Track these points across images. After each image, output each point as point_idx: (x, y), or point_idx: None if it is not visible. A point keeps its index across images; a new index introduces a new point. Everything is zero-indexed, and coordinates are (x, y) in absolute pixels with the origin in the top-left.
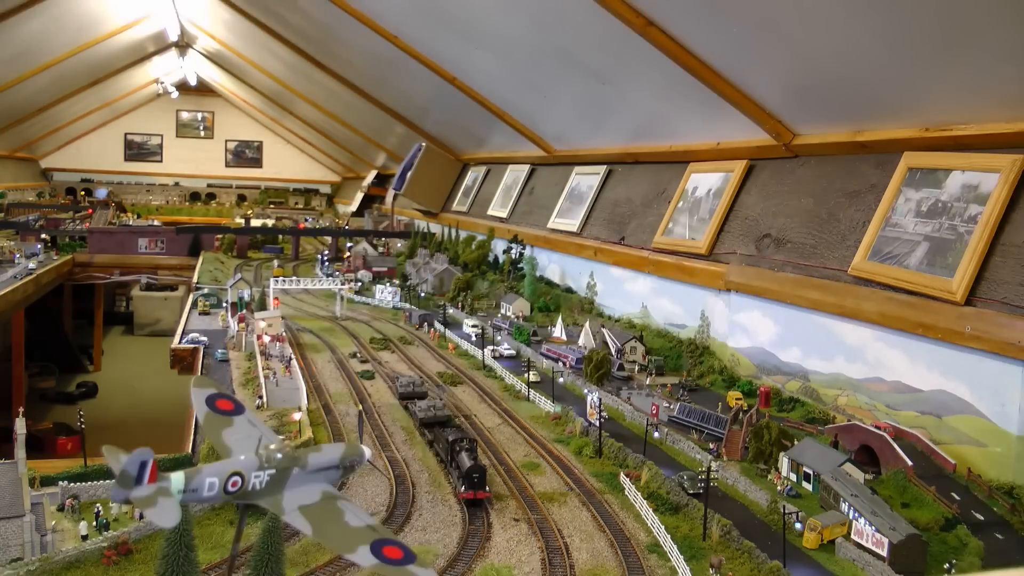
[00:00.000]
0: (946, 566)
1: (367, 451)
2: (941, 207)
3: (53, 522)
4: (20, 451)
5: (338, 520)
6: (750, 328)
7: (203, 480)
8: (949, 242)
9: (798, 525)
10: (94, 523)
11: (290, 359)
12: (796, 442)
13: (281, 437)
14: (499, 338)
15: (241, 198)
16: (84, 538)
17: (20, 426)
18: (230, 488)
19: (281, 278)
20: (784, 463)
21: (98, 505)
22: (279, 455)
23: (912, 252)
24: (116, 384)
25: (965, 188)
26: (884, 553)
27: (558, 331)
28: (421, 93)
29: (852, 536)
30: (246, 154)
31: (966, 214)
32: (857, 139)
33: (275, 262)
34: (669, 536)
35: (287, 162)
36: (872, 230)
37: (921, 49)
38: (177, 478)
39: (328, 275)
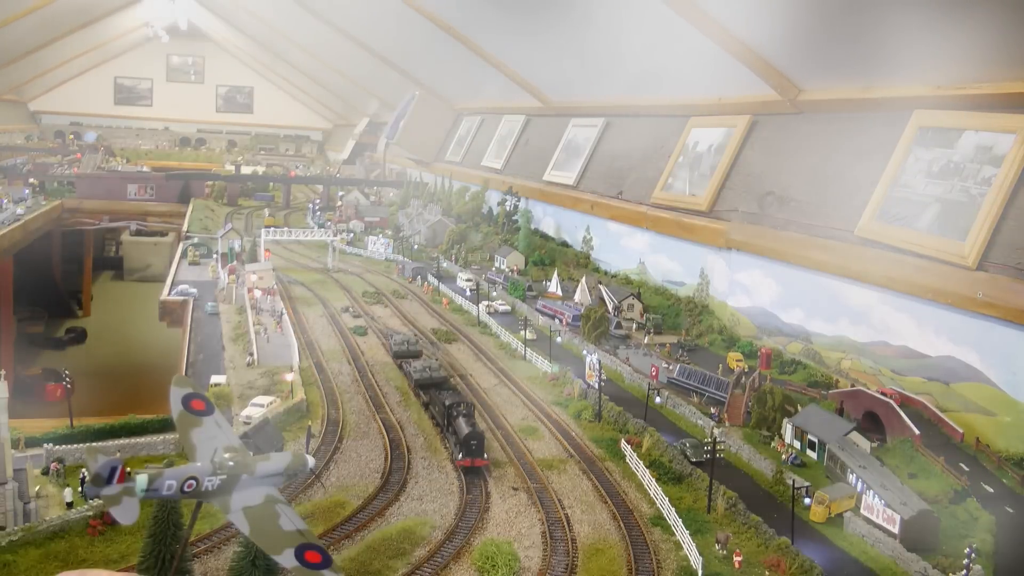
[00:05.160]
0: (967, 550)
1: (311, 461)
2: (953, 168)
3: (37, 487)
4: (2, 415)
5: (273, 523)
6: (751, 287)
7: (163, 482)
8: (961, 204)
9: (807, 500)
10: (79, 489)
11: (281, 314)
12: (800, 408)
13: (269, 399)
14: (494, 293)
15: (231, 144)
16: (69, 505)
17: (2, 390)
18: (186, 489)
19: (272, 228)
20: (788, 430)
21: (83, 470)
22: (231, 463)
23: (922, 214)
24: (105, 330)
25: (979, 149)
26: (895, 530)
27: (553, 286)
28: (415, 40)
29: (862, 511)
30: (237, 99)
31: (979, 176)
32: (866, 95)
33: (266, 211)
34: (673, 509)
35: (278, 108)
36: (880, 190)
37: (934, 1)
38: (142, 479)
39: (320, 225)
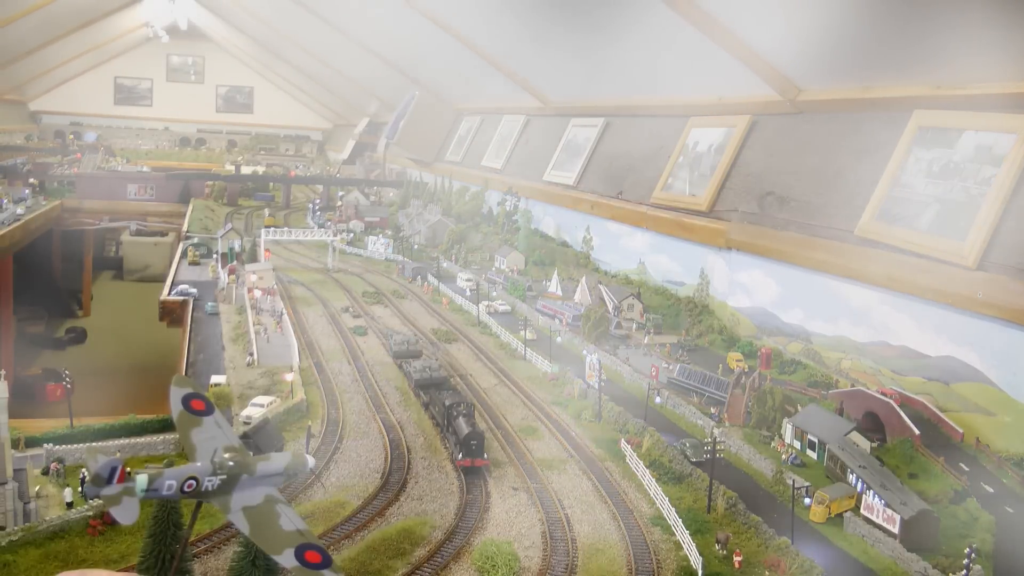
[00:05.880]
0: (967, 550)
1: (311, 461)
2: (953, 168)
3: (37, 487)
4: (2, 415)
5: (273, 523)
6: (751, 288)
7: (163, 482)
8: (961, 204)
9: (807, 500)
10: (79, 489)
11: (281, 314)
12: (800, 408)
13: (269, 399)
14: (494, 293)
15: (231, 144)
16: (69, 505)
17: (2, 390)
18: (186, 489)
19: (272, 228)
20: (788, 430)
21: (83, 470)
22: (231, 463)
23: (922, 214)
24: (105, 330)
25: (979, 149)
26: (895, 529)
27: (553, 286)
28: (415, 40)
29: (862, 511)
30: (237, 99)
31: (979, 176)
32: (866, 96)
33: (266, 211)
34: (673, 509)
35: (278, 108)
36: (880, 190)
37: (934, 2)
38: (142, 479)
39: (320, 225)
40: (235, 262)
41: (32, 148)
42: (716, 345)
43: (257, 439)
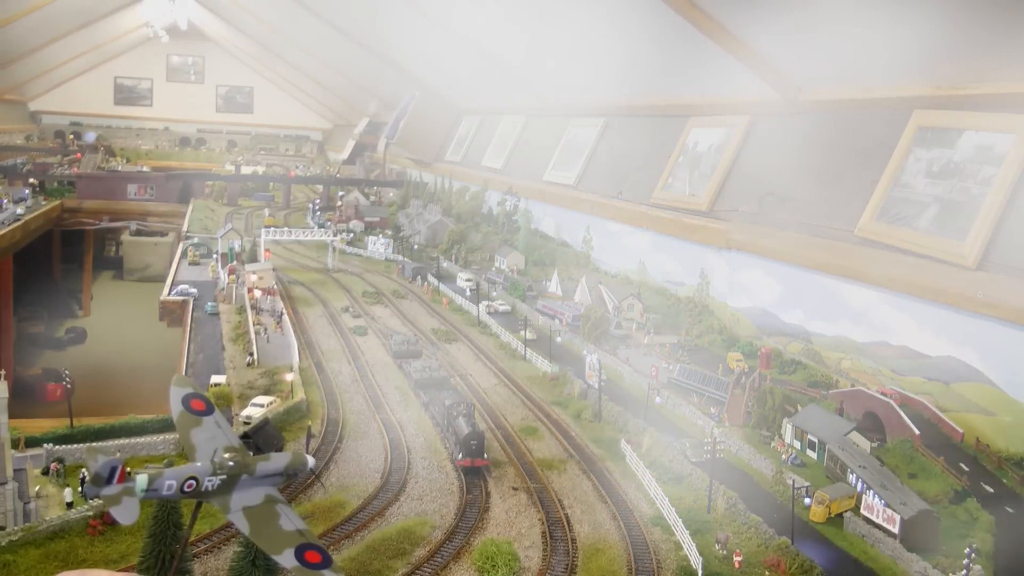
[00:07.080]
0: (967, 550)
1: (311, 461)
2: (953, 168)
3: (37, 487)
4: (2, 415)
5: (273, 523)
6: (751, 288)
7: (163, 482)
8: (961, 204)
9: (807, 500)
10: (79, 489)
11: (281, 314)
12: (800, 408)
13: (269, 399)
14: (494, 293)
15: (231, 144)
16: (69, 505)
17: (2, 390)
18: (186, 489)
19: (272, 228)
20: (788, 430)
21: (83, 470)
22: (231, 463)
23: (922, 214)
24: (105, 330)
25: (978, 149)
26: (895, 529)
27: (553, 286)
28: (415, 40)
29: (862, 511)
30: (237, 99)
31: (979, 176)
32: (866, 95)
33: (266, 211)
34: (673, 509)
35: (278, 108)
36: (880, 190)
37: (933, 2)
38: (142, 479)
39: (320, 225)
40: (235, 262)
41: (32, 148)
42: (716, 345)
43: (257, 439)
